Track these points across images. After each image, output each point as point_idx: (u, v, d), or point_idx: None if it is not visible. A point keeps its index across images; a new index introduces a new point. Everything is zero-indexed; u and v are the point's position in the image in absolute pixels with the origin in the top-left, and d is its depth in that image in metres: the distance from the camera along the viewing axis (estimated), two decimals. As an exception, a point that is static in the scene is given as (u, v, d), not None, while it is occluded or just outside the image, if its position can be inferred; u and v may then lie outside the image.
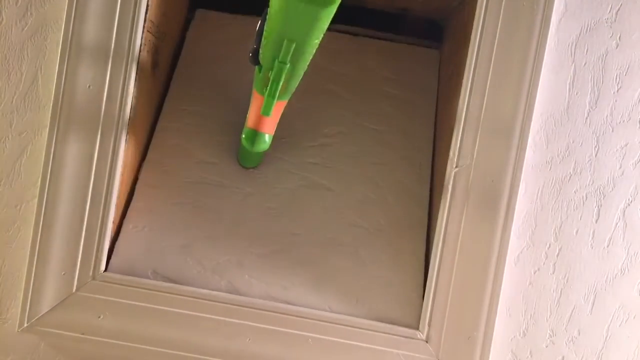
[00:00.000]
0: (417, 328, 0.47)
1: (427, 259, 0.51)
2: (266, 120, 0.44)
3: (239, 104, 0.54)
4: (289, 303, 0.50)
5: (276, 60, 0.34)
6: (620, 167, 0.48)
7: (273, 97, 0.37)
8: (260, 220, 0.52)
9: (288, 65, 0.34)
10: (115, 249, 0.49)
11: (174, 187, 0.52)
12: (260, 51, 0.37)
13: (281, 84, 0.36)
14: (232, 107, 0.55)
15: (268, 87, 0.36)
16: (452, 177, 0.47)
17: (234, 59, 0.57)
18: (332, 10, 0.28)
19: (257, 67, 0.40)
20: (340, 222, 0.53)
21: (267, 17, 0.34)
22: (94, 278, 0.46)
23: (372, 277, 0.51)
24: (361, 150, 0.56)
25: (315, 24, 0.30)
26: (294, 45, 0.32)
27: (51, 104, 0.45)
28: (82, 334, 0.45)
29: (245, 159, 0.53)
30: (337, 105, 0.58)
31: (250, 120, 0.46)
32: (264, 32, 0.35)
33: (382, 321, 0.48)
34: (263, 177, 0.54)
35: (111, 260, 0.48)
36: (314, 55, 0.37)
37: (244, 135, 0.46)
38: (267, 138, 0.46)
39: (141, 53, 0.48)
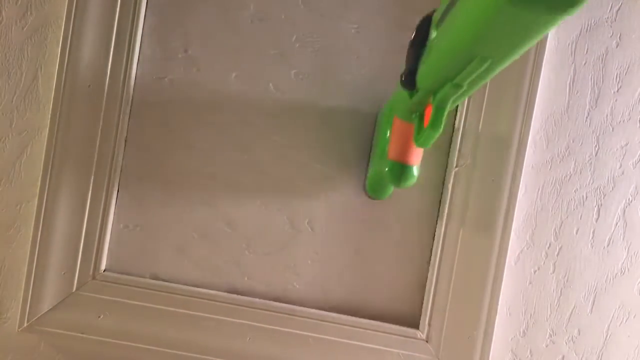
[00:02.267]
0: (418, 328, 0.47)
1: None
2: (415, 150, 0.38)
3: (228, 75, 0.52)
4: (290, 303, 0.50)
5: (450, 82, 0.26)
6: (620, 167, 0.48)
7: (437, 128, 0.29)
8: (258, 215, 0.52)
9: (465, 87, 0.27)
10: (108, 253, 0.48)
11: (160, 178, 0.50)
12: (419, 72, 0.30)
13: (447, 111, 0.29)
14: (220, 77, 0.51)
15: (432, 117, 0.29)
16: (452, 177, 0.47)
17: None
18: (571, 13, 0.18)
19: (407, 92, 0.32)
20: (343, 216, 0.51)
21: (441, 36, 0.26)
22: (94, 278, 0.46)
23: (374, 275, 0.50)
24: (367, 130, 0.51)
25: (537, 35, 0.20)
26: (488, 63, 0.24)
27: (51, 104, 0.45)
28: (82, 333, 0.45)
29: (379, 191, 0.46)
30: (345, 65, 0.50)
31: (394, 151, 0.39)
32: (433, 49, 0.27)
33: (383, 320, 0.48)
34: (259, 163, 0.51)
35: (104, 265, 0.48)
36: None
37: (387, 169, 0.39)
38: (415, 170, 0.39)
39: (141, 52, 0.48)
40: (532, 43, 0.21)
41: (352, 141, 0.51)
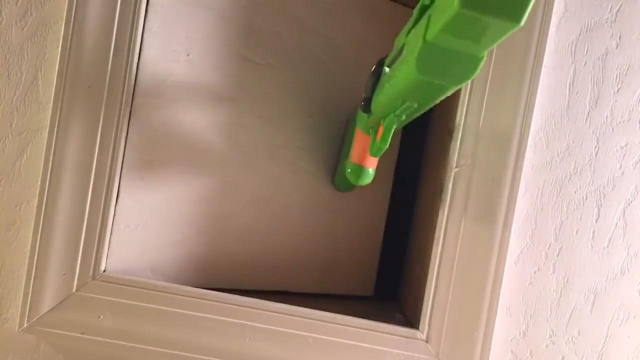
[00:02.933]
0: (418, 328, 0.47)
1: (388, 231, 0.64)
2: (372, 157, 0.46)
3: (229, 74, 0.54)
4: (283, 290, 0.58)
5: (392, 113, 0.35)
6: (620, 167, 0.48)
7: (385, 143, 0.37)
8: (253, 211, 0.57)
9: (403, 118, 0.35)
10: (110, 252, 0.49)
11: (160, 178, 0.52)
12: (373, 101, 0.39)
13: (393, 132, 0.37)
14: (221, 78, 0.54)
15: (381, 136, 0.37)
16: (452, 178, 0.47)
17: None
18: (467, 82, 0.29)
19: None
20: (316, 205, 0.60)
21: (388, 78, 0.35)
22: (94, 278, 0.46)
23: (338, 252, 0.62)
24: (341, 133, 0.61)
25: (444, 94, 0.30)
26: (416, 105, 0.32)
27: (51, 104, 0.45)
28: (82, 334, 0.45)
29: (344, 186, 0.58)
30: (324, 77, 0.58)
31: (355, 156, 0.49)
32: (383, 90, 0.36)
33: (342, 291, 0.58)
34: (254, 164, 0.56)
35: (107, 265, 0.48)
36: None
37: (349, 170, 0.49)
38: (371, 172, 0.49)
39: (141, 52, 0.48)
40: (443, 97, 0.30)
41: (329, 143, 0.59)
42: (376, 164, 0.50)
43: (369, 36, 0.59)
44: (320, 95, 0.58)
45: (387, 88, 0.34)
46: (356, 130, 0.49)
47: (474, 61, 0.27)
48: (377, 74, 0.38)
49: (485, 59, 0.27)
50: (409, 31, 0.31)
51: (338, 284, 0.62)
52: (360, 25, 0.59)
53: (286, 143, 0.57)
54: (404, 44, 0.31)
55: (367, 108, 0.40)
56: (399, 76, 0.31)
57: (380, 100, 0.36)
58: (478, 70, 0.27)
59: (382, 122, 0.38)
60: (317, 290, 0.61)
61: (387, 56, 0.38)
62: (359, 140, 0.48)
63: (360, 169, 0.49)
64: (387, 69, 0.36)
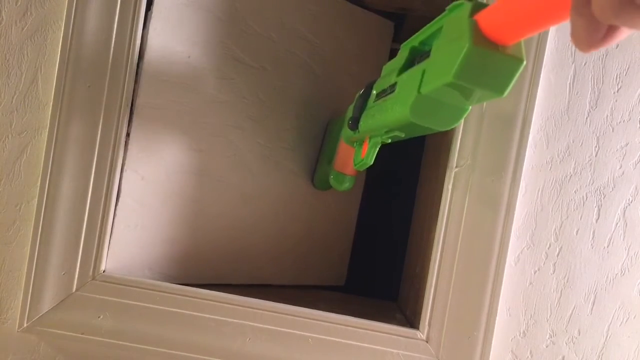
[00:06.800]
0: (418, 328, 0.47)
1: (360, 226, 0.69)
2: (352, 167, 0.49)
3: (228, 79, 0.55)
4: (265, 284, 0.61)
5: (380, 136, 0.39)
6: (620, 167, 0.48)
7: (370, 160, 0.41)
8: (242, 209, 0.58)
9: (389, 141, 0.39)
10: (109, 251, 0.49)
11: (160, 178, 0.52)
12: (362, 123, 0.42)
13: (377, 150, 0.40)
14: (218, 79, 0.54)
15: (367, 153, 0.41)
16: (452, 177, 0.47)
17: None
18: (447, 128, 0.32)
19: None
20: (301, 206, 0.63)
21: (379, 108, 0.38)
22: (94, 278, 0.46)
23: (316, 245, 0.65)
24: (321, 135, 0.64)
25: (430, 132, 0.33)
26: (403, 134, 0.36)
27: (51, 104, 0.45)
28: (82, 333, 0.45)
29: (324, 187, 0.62)
30: (308, 80, 0.61)
31: (338, 164, 0.55)
32: (374, 117, 0.39)
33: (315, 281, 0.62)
34: (246, 164, 0.58)
35: (107, 263, 0.48)
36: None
37: (332, 177, 0.56)
38: (352, 179, 0.56)
39: (144, 54, 0.48)
40: (427, 133, 0.34)
41: (311, 143, 0.62)
42: (356, 172, 0.55)
43: (349, 43, 0.63)
44: (306, 97, 0.60)
45: (378, 117, 0.38)
46: (340, 142, 0.52)
47: (460, 112, 0.30)
48: (366, 97, 0.42)
49: (469, 110, 0.30)
50: (400, 70, 0.34)
51: (313, 275, 0.65)
52: (341, 33, 0.62)
53: (274, 143, 0.59)
54: (395, 82, 0.34)
55: (354, 127, 0.43)
56: (392, 112, 0.34)
57: (370, 124, 0.40)
58: (462, 120, 0.31)
59: (368, 139, 0.42)
60: (295, 282, 0.63)
61: (375, 81, 0.41)
62: (343, 152, 0.52)
63: (342, 177, 0.55)
64: (374, 92, 0.40)
